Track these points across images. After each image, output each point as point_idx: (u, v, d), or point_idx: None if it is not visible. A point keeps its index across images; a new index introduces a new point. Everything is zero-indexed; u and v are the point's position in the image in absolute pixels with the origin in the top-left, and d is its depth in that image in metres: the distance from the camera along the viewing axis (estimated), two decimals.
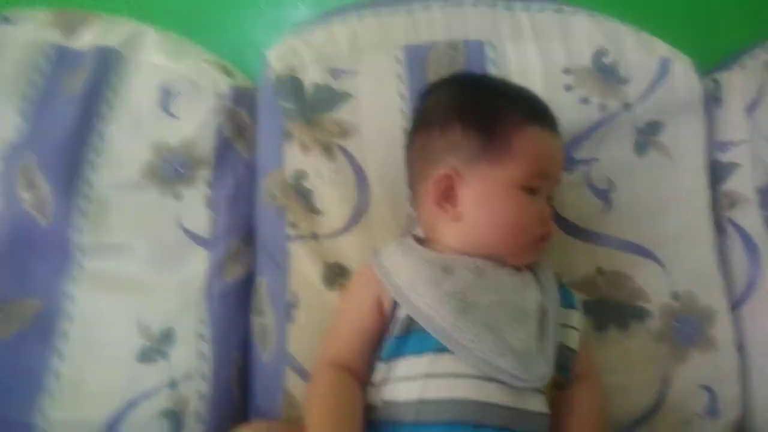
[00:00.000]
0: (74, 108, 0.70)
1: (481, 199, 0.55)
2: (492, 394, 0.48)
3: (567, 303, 0.57)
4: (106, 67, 0.73)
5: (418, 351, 0.51)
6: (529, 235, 0.55)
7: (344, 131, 0.69)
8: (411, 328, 0.52)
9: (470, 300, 0.51)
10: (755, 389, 0.65)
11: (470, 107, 0.57)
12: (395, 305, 0.53)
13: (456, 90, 0.60)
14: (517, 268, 0.56)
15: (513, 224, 0.55)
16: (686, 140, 0.69)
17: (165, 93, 0.71)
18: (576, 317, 0.57)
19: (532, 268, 0.57)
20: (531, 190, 0.55)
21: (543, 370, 0.50)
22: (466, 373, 0.49)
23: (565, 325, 0.55)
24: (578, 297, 0.59)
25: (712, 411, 0.64)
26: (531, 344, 0.50)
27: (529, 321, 0.52)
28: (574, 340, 0.55)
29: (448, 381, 0.49)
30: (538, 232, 0.55)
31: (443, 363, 0.50)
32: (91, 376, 0.61)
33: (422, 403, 0.49)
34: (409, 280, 0.53)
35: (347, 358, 0.54)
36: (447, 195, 0.56)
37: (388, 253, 0.57)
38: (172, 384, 0.61)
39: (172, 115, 0.71)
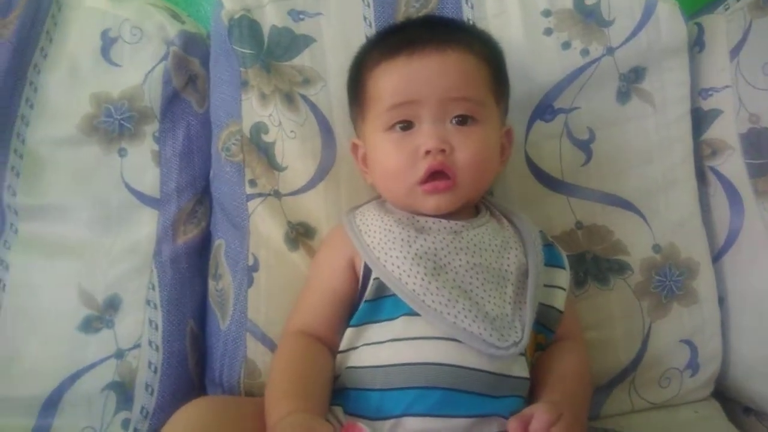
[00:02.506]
0: (4, 58, 0.64)
1: (369, 158, 0.55)
2: (468, 358, 0.45)
3: (554, 262, 0.54)
4: (40, 12, 0.66)
5: (392, 316, 0.47)
6: (406, 178, 0.50)
7: (307, 78, 0.63)
8: (384, 292, 0.48)
9: (443, 261, 0.48)
10: (733, 343, 0.63)
11: (349, 71, 0.58)
12: (367, 268, 0.50)
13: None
14: (501, 227, 0.53)
15: (385, 173, 0.53)
16: (670, 87, 0.66)
17: (106, 39, 0.65)
18: (563, 277, 0.54)
19: (517, 227, 0.54)
20: (403, 127, 0.50)
21: (517, 335, 0.46)
22: (441, 336, 0.46)
23: (550, 285, 0.52)
24: (565, 255, 0.56)
25: (693, 365, 0.62)
26: (506, 309, 0.47)
27: (506, 284, 0.48)
28: (560, 301, 0.52)
29: (421, 344, 0.46)
30: (414, 171, 0.49)
31: (417, 326, 0.46)
32: (27, 350, 0.57)
33: (393, 366, 0.46)
34: (381, 241, 0.50)
35: (316, 326, 0.51)
36: (364, 161, 0.57)
37: (363, 212, 0.54)
38: (119, 354, 0.57)
39: (114, 63, 0.65)
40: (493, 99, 0.53)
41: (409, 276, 0.47)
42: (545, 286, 0.52)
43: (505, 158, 0.58)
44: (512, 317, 0.47)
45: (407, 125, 0.50)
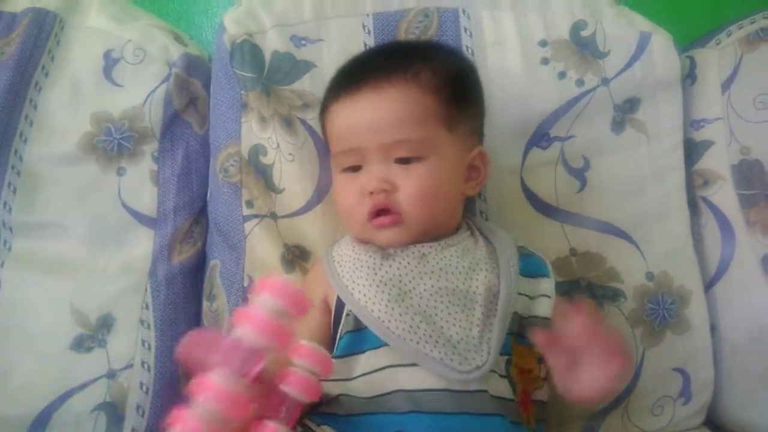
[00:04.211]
0: (5, 75, 0.64)
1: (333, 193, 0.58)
2: (434, 382, 0.45)
3: (536, 271, 0.54)
4: (42, 31, 0.67)
5: (374, 345, 0.48)
6: (357, 215, 0.52)
7: (306, 103, 0.64)
8: (361, 323, 0.49)
9: (408, 287, 0.49)
10: (725, 372, 0.63)
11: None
12: (341, 299, 0.50)
13: None
14: (475, 247, 0.53)
15: (340, 209, 0.56)
16: (664, 118, 0.67)
17: (109, 59, 0.66)
18: (546, 285, 0.53)
19: (494, 247, 0.53)
20: (352, 168, 0.53)
21: (482, 359, 0.46)
22: (404, 363, 0.46)
23: (533, 296, 0.52)
24: (549, 264, 0.56)
25: (686, 394, 0.62)
26: (473, 332, 0.47)
27: (473, 306, 0.48)
28: (545, 309, 0.52)
29: (397, 371, 0.46)
30: (361, 209, 0.51)
31: (395, 355, 0.47)
32: (19, 369, 0.56)
33: (383, 396, 0.46)
34: (350, 270, 0.51)
35: None
36: None
37: (340, 244, 0.56)
38: (111, 374, 0.56)
39: (116, 83, 0.65)
40: (444, 128, 0.52)
41: (374, 303, 0.48)
42: (530, 297, 0.52)
43: (481, 180, 0.56)
44: (479, 339, 0.47)
45: (356, 168, 0.53)
